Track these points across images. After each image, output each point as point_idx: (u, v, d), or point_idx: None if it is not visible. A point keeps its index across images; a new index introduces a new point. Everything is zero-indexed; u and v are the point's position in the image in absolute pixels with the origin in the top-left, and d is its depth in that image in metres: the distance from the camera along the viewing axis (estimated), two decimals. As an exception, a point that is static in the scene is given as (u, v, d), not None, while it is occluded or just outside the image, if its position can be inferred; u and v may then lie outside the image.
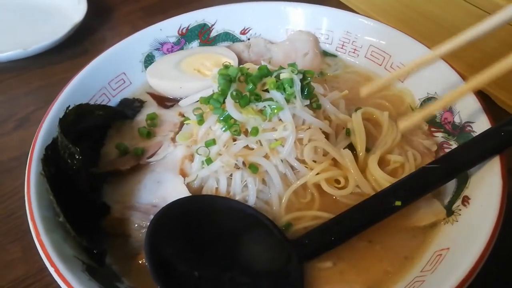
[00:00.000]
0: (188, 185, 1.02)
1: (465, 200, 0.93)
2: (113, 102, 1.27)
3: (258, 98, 1.01)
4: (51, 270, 0.81)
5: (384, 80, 1.12)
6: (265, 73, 1.05)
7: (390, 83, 1.05)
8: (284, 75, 1.02)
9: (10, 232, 1.10)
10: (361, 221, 0.91)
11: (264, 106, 1.00)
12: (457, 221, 0.91)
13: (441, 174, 0.93)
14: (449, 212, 0.95)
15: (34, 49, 1.60)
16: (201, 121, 1.06)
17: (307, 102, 1.06)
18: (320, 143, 1.02)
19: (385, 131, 1.11)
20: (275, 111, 1.00)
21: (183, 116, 1.18)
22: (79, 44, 1.72)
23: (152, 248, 0.84)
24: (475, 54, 1.34)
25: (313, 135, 1.02)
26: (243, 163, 1.00)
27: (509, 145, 0.92)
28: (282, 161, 1.01)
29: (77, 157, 0.93)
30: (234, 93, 1.00)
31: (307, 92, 1.05)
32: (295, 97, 1.02)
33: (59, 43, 1.66)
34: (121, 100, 1.27)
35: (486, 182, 0.91)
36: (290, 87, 1.01)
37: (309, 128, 1.03)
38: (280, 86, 1.01)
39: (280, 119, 1.01)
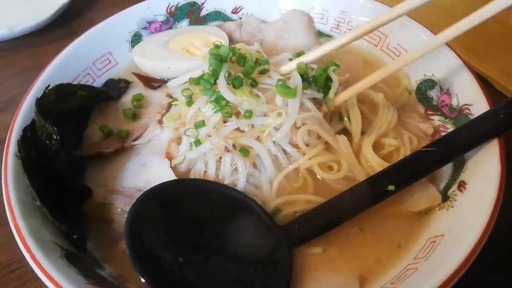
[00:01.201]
0: (174, 169, 0.99)
1: (461, 185, 0.90)
2: (98, 82, 1.22)
3: (255, 84, 0.98)
4: (27, 256, 0.78)
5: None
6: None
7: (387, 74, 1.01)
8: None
9: (-5, 217, 1.07)
10: (353, 206, 0.87)
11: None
12: (452, 206, 0.89)
13: (437, 158, 0.90)
14: (445, 197, 0.92)
15: (20, 30, 1.56)
16: (190, 102, 1.01)
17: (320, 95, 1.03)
18: (313, 127, 0.98)
19: (381, 113, 1.08)
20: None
21: (170, 97, 1.14)
22: (67, 26, 1.67)
23: (132, 233, 0.80)
24: (474, 37, 1.30)
25: (306, 119, 0.98)
26: (233, 145, 0.96)
27: (508, 128, 0.88)
28: (274, 143, 0.96)
29: (55, 137, 0.89)
30: (227, 74, 0.96)
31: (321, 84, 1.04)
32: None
33: (46, 24, 1.62)
34: (107, 81, 1.23)
35: (483, 166, 0.88)
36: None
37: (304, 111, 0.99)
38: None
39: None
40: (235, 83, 0.95)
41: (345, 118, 1.07)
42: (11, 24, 1.55)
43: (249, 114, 0.95)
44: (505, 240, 0.95)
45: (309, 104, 1.00)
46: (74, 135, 1.07)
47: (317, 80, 1.04)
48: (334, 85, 1.04)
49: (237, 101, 0.95)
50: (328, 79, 1.05)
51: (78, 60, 1.18)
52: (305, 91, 1.00)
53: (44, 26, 1.61)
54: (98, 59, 1.23)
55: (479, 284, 0.90)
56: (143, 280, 0.75)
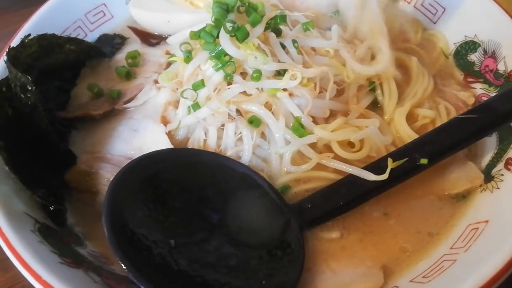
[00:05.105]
0: (170, 136, 0.88)
1: (510, 163, 0.80)
2: (91, 37, 1.12)
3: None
4: (-8, 227, 0.68)
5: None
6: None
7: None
8: None
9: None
10: (377, 182, 0.75)
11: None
12: (498, 188, 0.79)
13: (479, 126, 0.80)
14: (488, 177, 0.82)
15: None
16: (188, 58, 0.90)
17: None
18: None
19: (415, 80, 0.97)
20: None
21: (170, 55, 1.01)
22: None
23: (113, 209, 0.69)
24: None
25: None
26: (239, 112, 0.84)
27: None
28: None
29: (30, 88, 0.79)
30: (229, 24, 0.83)
31: None
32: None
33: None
34: (100, 36, 1.14)
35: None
36: None
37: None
38: None
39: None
40: (238, 35, 0.82)
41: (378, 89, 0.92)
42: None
43: (258, 74, 0.82)
44: None
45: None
46: (61, 95, 0.97)
47: None
48: None
49: (241, 56, 0.82)
50: None
51: (68, 12, 1.08)
52: None
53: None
54: (90, 11, 1.12)
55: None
56: (123, 267, 0.64)
